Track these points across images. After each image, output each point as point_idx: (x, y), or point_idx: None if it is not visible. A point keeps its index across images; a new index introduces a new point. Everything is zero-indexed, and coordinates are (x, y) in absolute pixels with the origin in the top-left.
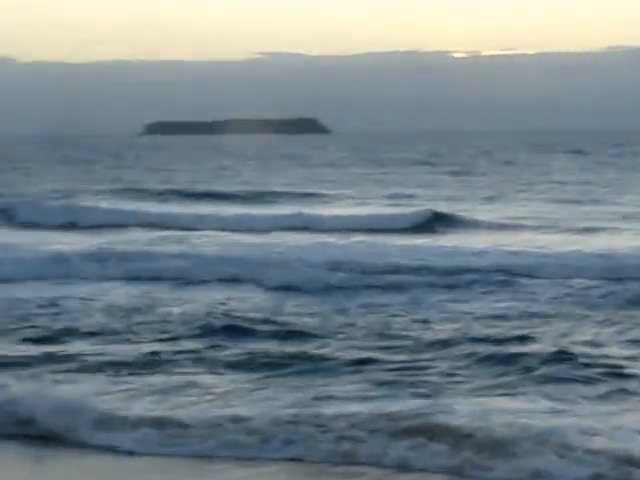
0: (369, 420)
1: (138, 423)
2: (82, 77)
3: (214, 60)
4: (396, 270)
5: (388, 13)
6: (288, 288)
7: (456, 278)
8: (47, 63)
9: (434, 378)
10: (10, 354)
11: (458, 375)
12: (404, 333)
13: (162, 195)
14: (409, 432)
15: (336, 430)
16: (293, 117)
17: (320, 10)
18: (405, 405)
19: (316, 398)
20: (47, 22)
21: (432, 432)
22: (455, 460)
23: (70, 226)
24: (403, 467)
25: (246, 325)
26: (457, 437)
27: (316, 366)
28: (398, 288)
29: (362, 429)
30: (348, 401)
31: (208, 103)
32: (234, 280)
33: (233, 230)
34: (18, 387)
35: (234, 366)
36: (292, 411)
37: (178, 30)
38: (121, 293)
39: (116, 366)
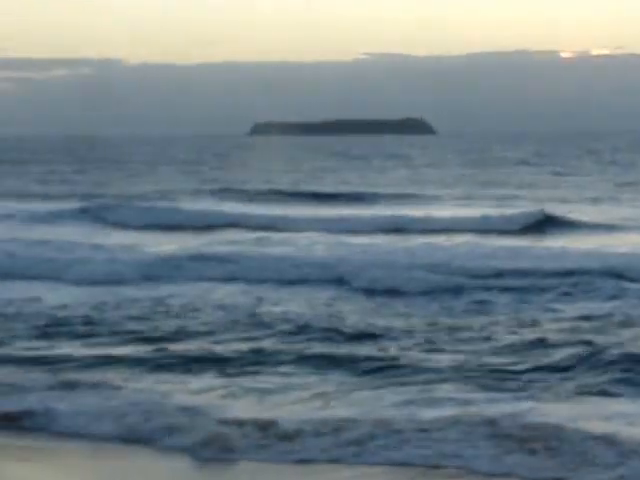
0: (469, 423)
1: (241, 425)
2: (190, 78)
3: (320, 61)
4: (505, 272)
5: (494, 12)
6: (392, 291)
7: (564, 280)
8: (154, 64)
9: (535, 380)
10: (121, 353)
11: (560, 377)
12: (507, 336)
13: (264, 195)
14: (509, 436)
15: (436, 433)
16: (399, 117)
17: (426, 10)
18: (506, 408)
19: (416, 401)
20: (155, 23)
21: (532, 436)
22: (553, 465)
23: (168, 227)
24: (504, 473)
25: (347, 326)
26: (558, 441)
27: (416, 368)
28: (506, 290)
29: (461, 432)
30: (448, 404)
31: (315, 103)
32: (337, 281)
33: (338, 231)
34: (130, 388)
35: (334, 367)
36: (392, 413)
37: (284, 31)
38: (225, 293)
39: (221, 365)
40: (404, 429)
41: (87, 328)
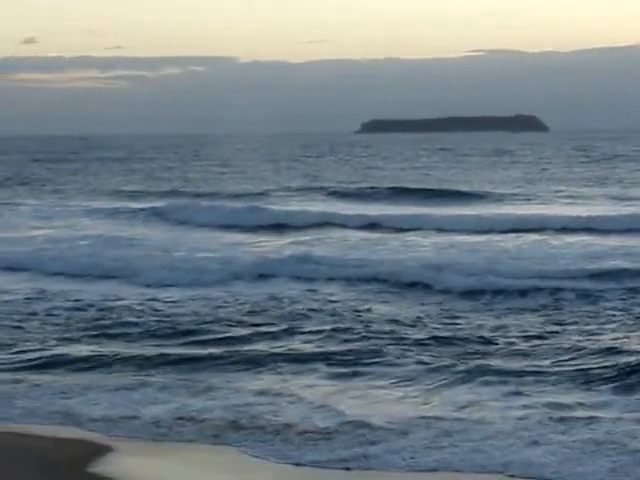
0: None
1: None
2: (300, 76)
3: (430, 58)
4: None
5: (606, 8)
6: (504, 291)
7: None
8: (267, 62)
9: None
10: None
11: None
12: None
13: (367, 194)
14: None
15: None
16: (511, 115)
17: (537, 6)
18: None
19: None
20: (267, 21)
21: None
22: None
23: (273, 227)
24: None
25: (449, 329)
26: None
27: (541, 376)
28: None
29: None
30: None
31: (425, 101)
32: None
33: (449, 230)
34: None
35: (438, 368)
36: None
37: (394, 28)
38: (332, 292)
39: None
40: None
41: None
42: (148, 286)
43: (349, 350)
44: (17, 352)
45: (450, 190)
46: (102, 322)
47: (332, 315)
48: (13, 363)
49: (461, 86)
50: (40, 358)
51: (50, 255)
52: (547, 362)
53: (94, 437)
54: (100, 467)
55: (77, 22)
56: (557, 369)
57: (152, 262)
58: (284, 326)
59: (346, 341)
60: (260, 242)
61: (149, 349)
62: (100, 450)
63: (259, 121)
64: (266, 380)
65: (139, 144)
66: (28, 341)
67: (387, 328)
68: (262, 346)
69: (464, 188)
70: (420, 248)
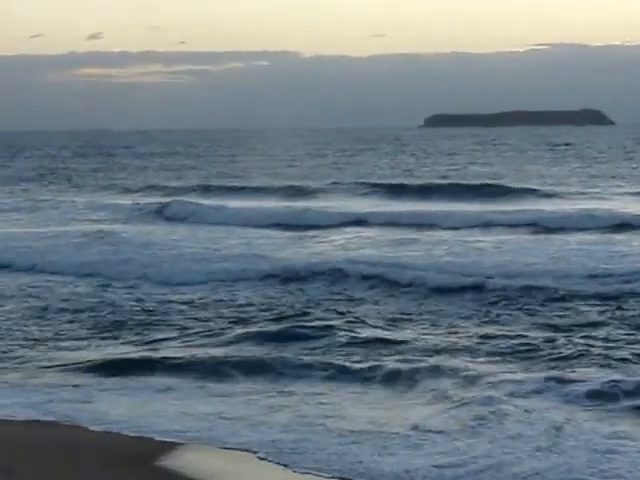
0: None
1: None
2: (364, 70)
3: (495, 52)
4: None
5: None
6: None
7: None
8: (330, 57)
9: None
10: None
11: None
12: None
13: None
14: None
15: None
16: (576, 109)
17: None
18: None
19: None
20: (330, 15)
21: None
22: None
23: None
24: None
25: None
26: None
27: None
28: None
29: None
30: None
31: (490, 95)
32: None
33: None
34: None
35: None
36: None
37: (458, 22)
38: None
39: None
40: None
41: None
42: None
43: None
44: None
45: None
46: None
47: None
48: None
49: (525, 80)
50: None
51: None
52: None
53: (159, 434)
54: (166, 461)
55: (141, 18)
56: None
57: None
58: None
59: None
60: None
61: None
62: (165, 447)
63: (321, 116)
64: None
65: (199, 138)
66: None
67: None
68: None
69: (533, 185)
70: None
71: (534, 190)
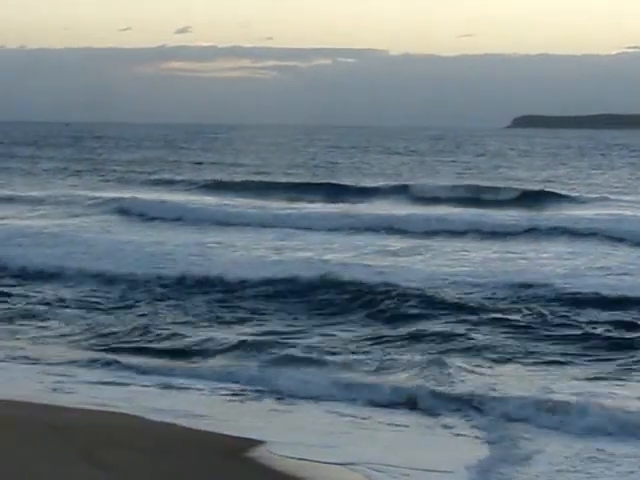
0: None
1: None
2: (452, 70)
3: (583, 54)
4: None
5: None
6: None
7: None
8: (418, 56)
9: None
10: None
11: None
12: None
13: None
14: None
15: None
16: None
17: None
18: None
19: None
20: (418, 14)
21: None
22: None
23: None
24: None
25: None
26: None
27: None
28: None
29: None
30: None
31: (577, 97)
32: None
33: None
34: None
35: None
36: None
37: (545, 24)
38: None
39: None
40: None
41: None
42: None
43: None
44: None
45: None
46: None
47: None
48: None
49: (615, 83)
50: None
51: None
52: None
53: (247, 431)
54: (256, 454)
55: (229, 12)
56: None
57: None
58: None
59: None
60: None
61: None
62: (254, 443)
63: (406, 114)
64: None
65: (286, 132)
66: None
67: None
68: None
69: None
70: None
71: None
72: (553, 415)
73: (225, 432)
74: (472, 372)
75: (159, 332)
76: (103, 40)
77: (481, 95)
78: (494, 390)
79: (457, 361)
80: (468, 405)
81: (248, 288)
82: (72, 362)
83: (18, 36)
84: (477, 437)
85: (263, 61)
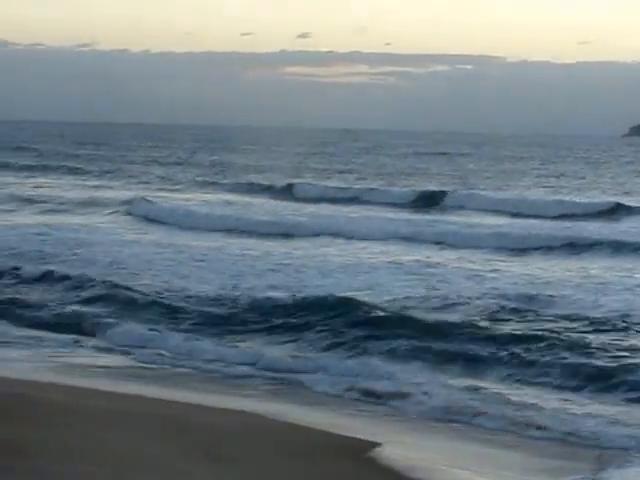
0: None
1: None
2: (569, 77)
3: None
4: None
5: None
6: None
7: None
8: (536, 62)
9: None
10: None
11: None
12: None
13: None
14: None
15: None
16: None
17: None
18: None
19: None
20: (537, 22)
21: None
22: None
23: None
24: None
25: None
26: None
27: None
28: None
29: None
30: None
31: None
32: None
33: None
34: None
35: None
36: None
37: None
38: None
39: None
40: None
41: None
42: None
43: None
44: None
45: None
46: None
47: None
48: None
49: None
50: None
51: None
52: None
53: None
54: (373, 455)
55: (348, 18)
56: None
57: None
58: None
59: None
60: None
61: None
62: (368, 444)
63: (523, 122)
64: None
65: (405, 139)
66: None
67: None
68: None
69: None
70: None
71: None
72: None
73: (342, 433)
74: None
75: None
76: (226, 45)
77: (598, 103)
78: None
79: None
80: None
81: None
82: None
83: (142, 40)
84: None
85: (380, 67)
